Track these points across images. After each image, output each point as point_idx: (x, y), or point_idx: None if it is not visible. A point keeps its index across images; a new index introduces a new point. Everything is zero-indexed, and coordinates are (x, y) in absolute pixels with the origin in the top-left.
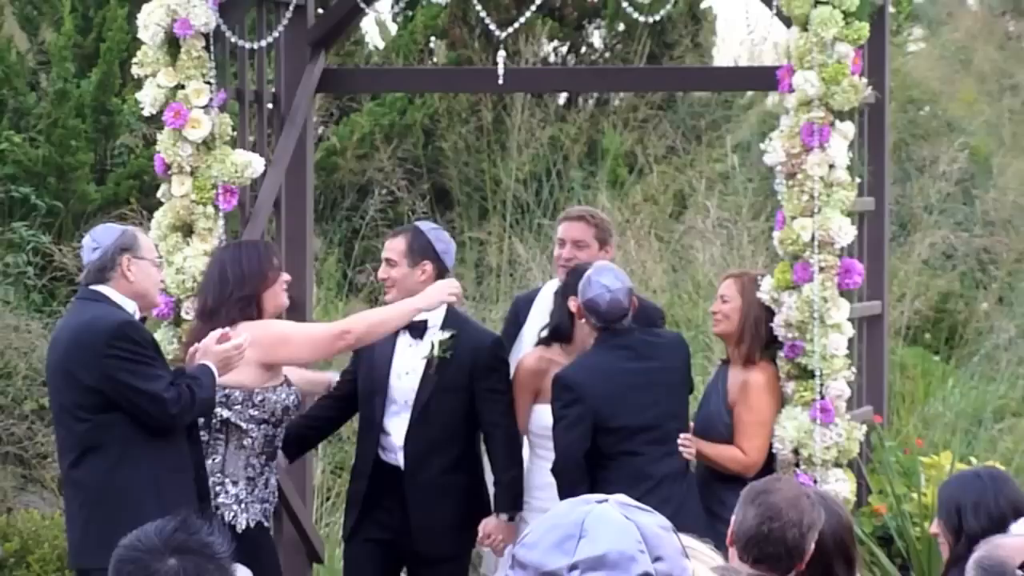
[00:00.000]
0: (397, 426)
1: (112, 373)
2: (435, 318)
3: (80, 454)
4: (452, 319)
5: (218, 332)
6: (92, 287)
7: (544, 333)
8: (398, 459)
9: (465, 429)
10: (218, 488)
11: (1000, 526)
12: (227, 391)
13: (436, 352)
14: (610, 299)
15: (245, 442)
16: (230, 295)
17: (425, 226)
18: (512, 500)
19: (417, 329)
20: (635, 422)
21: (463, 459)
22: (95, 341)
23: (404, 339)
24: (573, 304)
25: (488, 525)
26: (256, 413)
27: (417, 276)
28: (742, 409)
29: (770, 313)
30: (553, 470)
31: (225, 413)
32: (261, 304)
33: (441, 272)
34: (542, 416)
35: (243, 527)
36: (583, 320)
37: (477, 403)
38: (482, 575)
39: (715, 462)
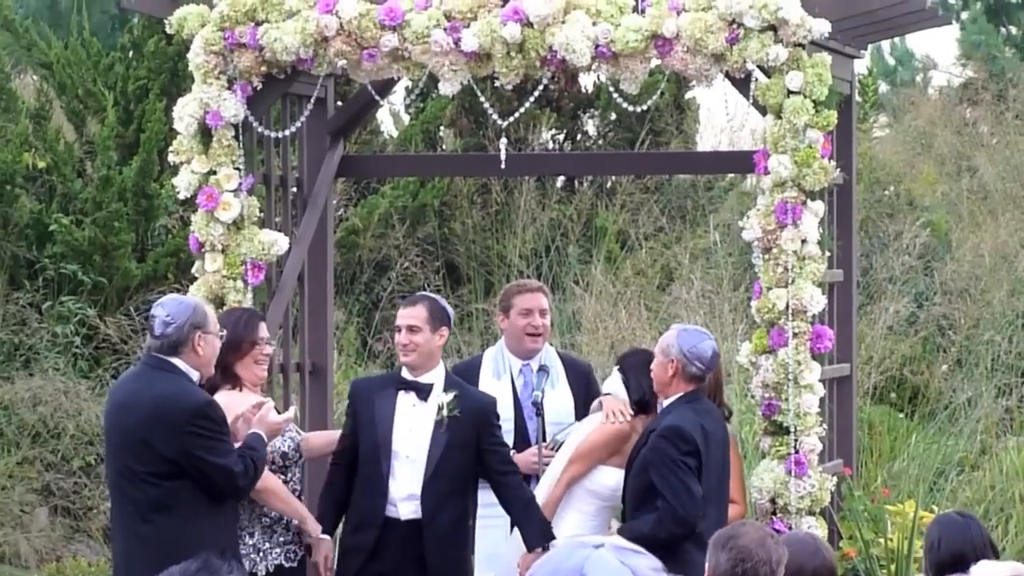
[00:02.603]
0: (403, 480)
1: (190, 448)
2: (437, 381)
3: (151, 512)
4: (450, 382)
5: (271, 403)
6: (164, 357)
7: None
8: (405, 512)
9: (469, 481)
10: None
11: (941, 572)
12: None
13: (446, 412)
14: (713, 348)
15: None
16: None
17: (436, 296)
18: (543, 533)
19: (422, 391)
20: (707, 484)
21: (469, 508)
22: (177, 418)
23: (407, 398)
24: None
25: (527, 560)
26: None
27: (437, 341)
28: None
29: (717, 385)
30: (679, 516)
31: None
32: (234, 374)
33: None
34: (606, 477)
35: (263, 573)
36: (673, 374)
37: (483, 457)
38: None
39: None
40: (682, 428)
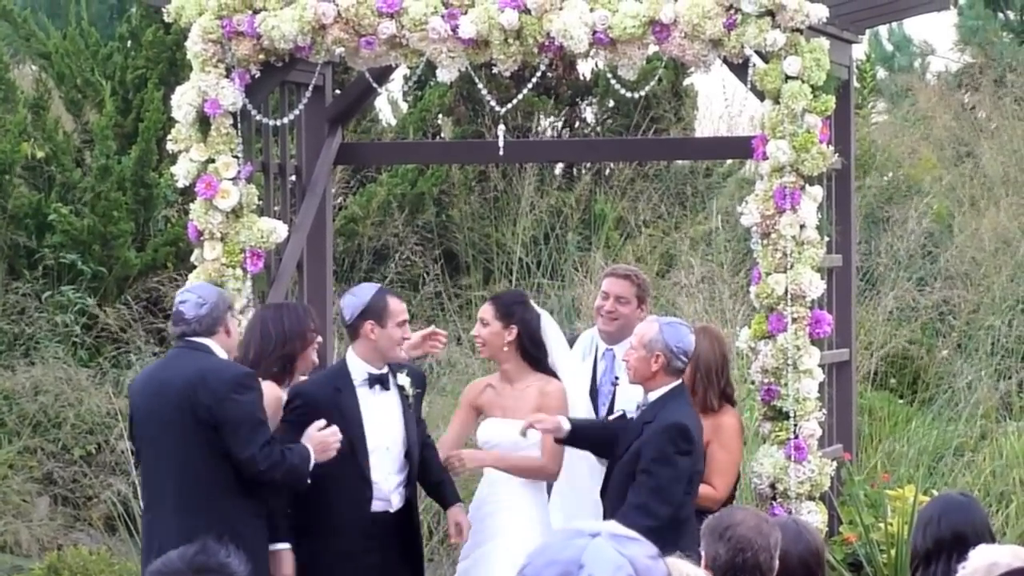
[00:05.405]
0: (388, 473)
1: (228, 416)
2: (385, 368)
3: (193, 488)
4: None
5: (322, 422)
6: (198, 340)
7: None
8: (396, 502)
9: None
10: None
11: (940, 548)
12: None
13: (410, 394)
14: (693, 340)
15: None
16: (272, 351)
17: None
18: (455, 490)
19: (381, 381)
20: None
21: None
22: (222, 383)
23: (366, 392)
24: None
25: (457, 517)
26: None
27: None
28: (716, 448)
29: (723, 362)
30: (658, 525)
31: None
32: (295, 364)
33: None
34: (485, 430)
35: None
36: (658, 368)
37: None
38: None
39: None
40: (688, 429)
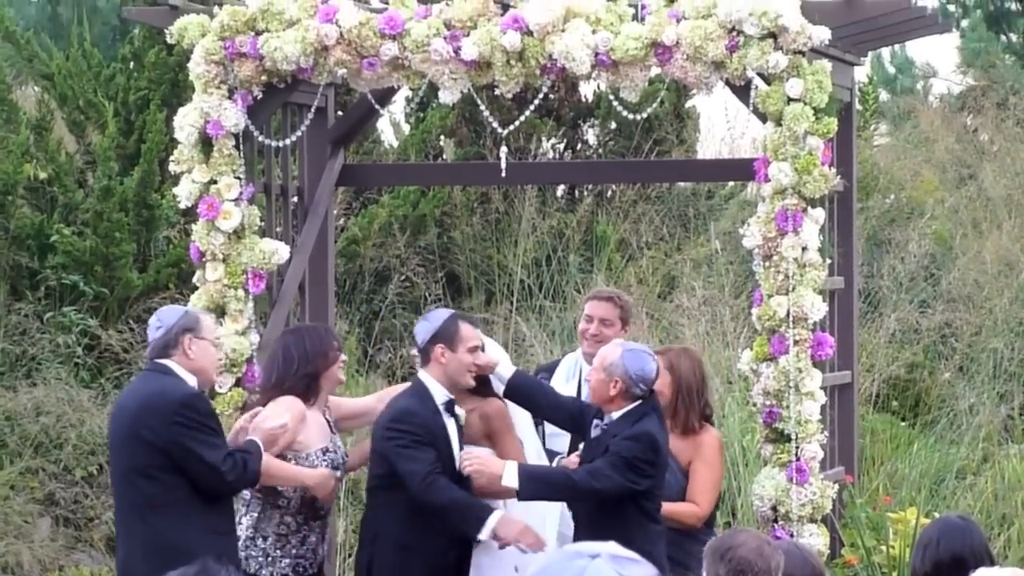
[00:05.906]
0: None
1: (178, 438)
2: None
3: (147, 511)
4: None
5: (265, 412)
6: (157, 360)
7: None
8: None
9: None
10: (248, 542)
11: (939, 571)
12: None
13: (463, 422)
14: (656, 367)
15: (280, 502)
16: (295, 371)
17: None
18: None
19: (452, 407)
20: (662, 490)
21: None
22: (165, 407)
23: (445, 416)
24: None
25: (509, 529)
26: None
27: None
28: (700, 466)
29: (703, 383)
30: (594, 495)
31: None
32: (319, 382)
33: None
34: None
35: None
36: (616, 393)
37: None
38: None
39: (672, 518)
40: (657, 440)
